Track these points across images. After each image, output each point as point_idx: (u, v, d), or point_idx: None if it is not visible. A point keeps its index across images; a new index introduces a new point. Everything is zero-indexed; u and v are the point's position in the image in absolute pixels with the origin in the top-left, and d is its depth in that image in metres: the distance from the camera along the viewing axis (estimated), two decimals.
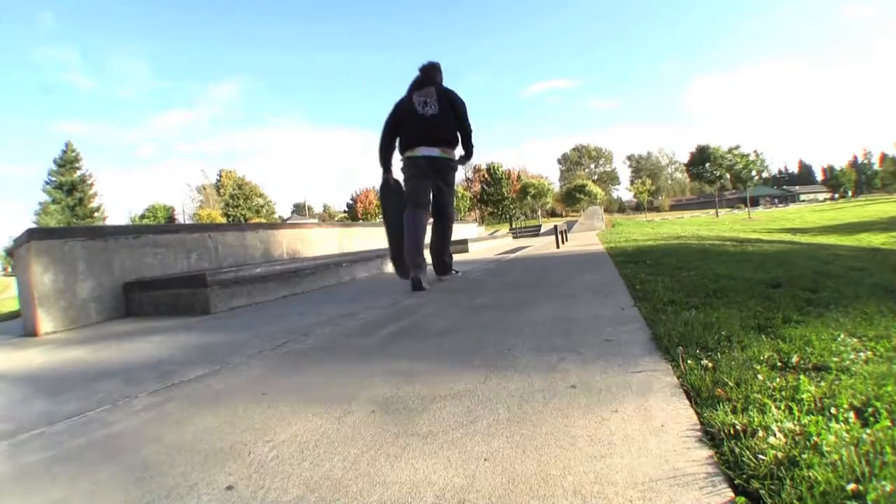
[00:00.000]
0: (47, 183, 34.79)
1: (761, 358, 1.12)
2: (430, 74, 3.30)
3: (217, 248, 4.26)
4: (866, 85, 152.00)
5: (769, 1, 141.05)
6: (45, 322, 2.90)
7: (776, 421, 0.79)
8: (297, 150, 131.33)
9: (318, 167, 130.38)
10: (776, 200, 74.32)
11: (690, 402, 0.94)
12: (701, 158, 44.74)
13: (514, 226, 37.00)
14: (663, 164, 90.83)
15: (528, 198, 48.25)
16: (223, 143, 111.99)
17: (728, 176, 44.19)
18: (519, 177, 53.89)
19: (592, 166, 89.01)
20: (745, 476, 0.67)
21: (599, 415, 0.91)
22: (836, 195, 79.16)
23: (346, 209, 59.25)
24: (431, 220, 3.50)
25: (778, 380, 0.97)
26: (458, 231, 7.23)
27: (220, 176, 55.14)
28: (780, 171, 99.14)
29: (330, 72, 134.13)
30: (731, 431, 0.78)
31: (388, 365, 1.39)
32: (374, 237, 7.33)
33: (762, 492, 0.63)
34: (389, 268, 5.05)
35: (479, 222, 33.92)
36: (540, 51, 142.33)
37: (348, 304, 2.72)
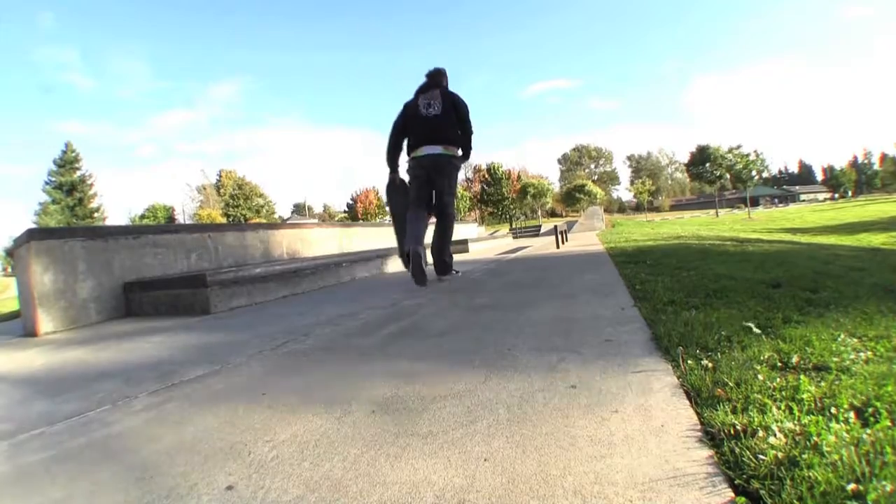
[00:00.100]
0: (47, 183, 34.80)
1: (761, 358, 1.12)
2: (435, 79, 3.50)
3: (217, 248, 4.27)
4: (866, 85, 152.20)
5: (769, 1, 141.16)
6: (45, 322, 2.90)
7: (776, 421, 0.79)
8: (297, 150, 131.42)
9: (318, 167, 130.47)
10: (776, 200, 74.33)
11: (690, 402, 0.94)
12: (701, 158, 44.76)
13: (514, 226, 37.00)
14: (663, 164, 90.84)
15: (528, 198, 48.26)
16: (223, 143, 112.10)
17: (728, 176, 44.19)
18: (519, 177, 53.90)
19: (592, 166, 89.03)
20: (745, 476, 0.67)
21: (599, 415, 0.91)
22: (836, 195, 79.17)
23: (346, 209, 59.25)
24: (433, 220, 3.61)
25: (778, 380, 0.97)
26: (459, 231, 7.23)
27: (220, 176, 55.14)
28: (780, 171, 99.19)
29: (330, 72, 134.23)
30: (732, 431, 0.78)
31: (388, 365, 1.39)
32: (374, 237, 7.34)
33: (762, 492, 0.63)
34: (389, 268, 5.06)
35: (479, 222, 33.90)
36: (540, 51, 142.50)
37: (348, 304, 2.72)
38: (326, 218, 63.35)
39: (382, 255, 5.05)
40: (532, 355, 1.34)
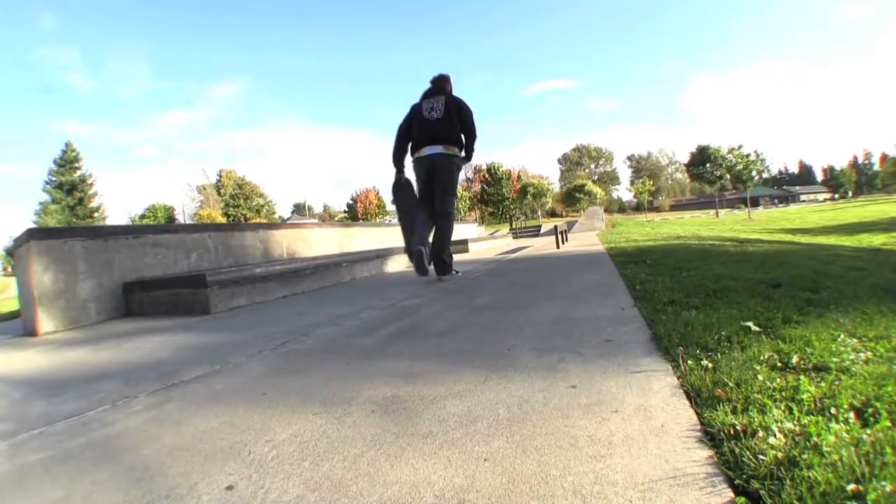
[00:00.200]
0: (47, 183, 34.79)
1: (761, 358, 1.12)
2: (440, 85, 3.69)
3: (217, 248, 4.26)
4: (866, 85, 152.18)
5: (769, 1, 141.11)
6: (45, 322, 2.90)
7: (776, 421, 0.79)
8: (297, 150, 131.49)
9: (318, 167, 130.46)
10: (776, 201, 74.33)
11: (690, 402, 0.94)
12: (701, 159, 44.79)
13: (514, 226, 36.99)
14: (663, 165, 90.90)
15: (528, 198, 48.27)
16: (223, 143, 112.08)
17: (728, 176, 44.20)
18: (519, 177, 53.88)
19: (592, 166, 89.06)
20: (745, 476, 0.67)
21: (599, 415, 0.91)
22: (837, 195, 79.15)
23: (346, 209, 59.21)
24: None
25: (778, 380, 0.97)
26: (458, 231, 7.23)
27: (220, 176, 55.16)
28: (780, 172, 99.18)
29: (330, 72, 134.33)
30: (731, 432, 0.78)
31: (388, 365, 1.39)
32: (374, 237, 7.33)
33: (762, 492, 0.63)
34: (389, 268, 5.06)
35: (479, 222, 33.94)
36: (540, 51, 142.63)
37: (348, 304, 2.72)
38: (326, 218, 63.35)
39: (382, 255, 5.05)
40: (532, 355, 1.34)
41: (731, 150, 43.36)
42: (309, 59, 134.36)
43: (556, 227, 8.63)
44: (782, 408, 0.85)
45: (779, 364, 1.09)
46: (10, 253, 31.20)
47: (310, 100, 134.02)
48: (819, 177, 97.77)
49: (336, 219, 57.82)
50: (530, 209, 50.31)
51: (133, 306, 3.33)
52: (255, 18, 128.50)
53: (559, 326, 1.67)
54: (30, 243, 2.93)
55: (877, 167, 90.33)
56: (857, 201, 54.83)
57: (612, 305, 1.98)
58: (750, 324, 1.41)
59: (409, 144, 3.66)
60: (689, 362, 1.12)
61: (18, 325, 3.50)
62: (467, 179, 57.80)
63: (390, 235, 7.85)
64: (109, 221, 38.00)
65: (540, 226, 27.81)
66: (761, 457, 0.69)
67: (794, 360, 1.10)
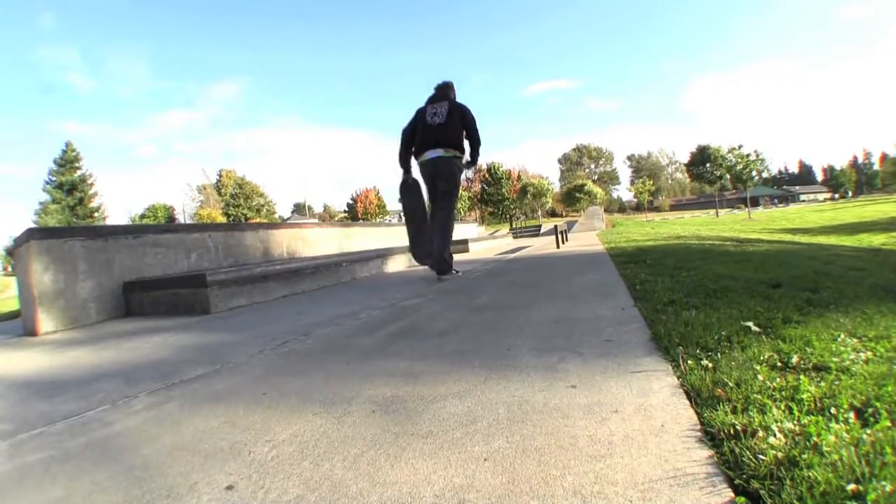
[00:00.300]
0: (47, 183, 34.78)
1: (761, 358, 1.12)
2: (443, 91, 3.83)
3: (217, 247, 4.26)
4: (866, 85, 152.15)
5: (769, 1, 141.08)
6: (45, 322, 2.90)
7: (776, 421, 0.79)
8: (297, 150, 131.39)
9: (318, 167, 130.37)
10: (776, 201, 74.30)
11: (690, 402, 0.93)
12: (701, 158, 44.81)
13: (514, 226, 37.02)
14: (663, 164, 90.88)
15: (528, 198, 48.26)
16: (223, 143, 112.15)
17: (728, 176, 44.20)
18: (519, 177, 53.92)
19: (592, 166, 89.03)
20: (745, 476, 0.67)
21: (599, 415, 0.91)
22: (837, 195, 79.12)
23: (346, 209, 59.20)
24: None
25: (778, 380, 0.97)
26: (459, 231, 7.23)
27: (221, 176, 55.14)
28: (780, 172, 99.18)
29: (330, 72, 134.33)
30: (731, 431, 0.78)
31: (388, 365, 1.39)
32: (374, 237, 7.34)
33: (762, 492, 0.63)
34: (389, 268, 5.06)
35: (479, 222, 33.88)
36: (540, 51, 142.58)
37: (348, 304, 2.72)
38: (326, 218, 63.29)
39: (382, 254, 5.05)
40: (532, 355, 1.34)
41: (731, 150, 43.38)
42: (309, 59, 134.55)
43: (556, 226, 8.61)
44: (782, 408, 0.85)
45: (779, 364, 1.09)
46: (10, 253, 31.23)
47: (310, 100, 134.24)
48: (819, 177, 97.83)
49: (336, 219, 57.79)
50: (530, 209, 50.31)
51: (133, 306, 3.33)
52: (255, 18, 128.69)
53: (559, 326, 1.67)
54: (30, 243, 2.93)
55: (877, 167, 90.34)
56: (857, 201, 54.81)
57: (612, 305, 1.98)
58: (750, 324, 1.41)
59: (414, 147, 3.79)
60: (689, 362, 1.12)
61: (18, 325, 3.50)
62: (467, 179, 57.76)
63: (390, 235, 7.86)
64: (109, 221, 38.03)
65: (540, 226, 27.83)
66: (761, 457, 0.69)
67: (794, 359, 1.10)
